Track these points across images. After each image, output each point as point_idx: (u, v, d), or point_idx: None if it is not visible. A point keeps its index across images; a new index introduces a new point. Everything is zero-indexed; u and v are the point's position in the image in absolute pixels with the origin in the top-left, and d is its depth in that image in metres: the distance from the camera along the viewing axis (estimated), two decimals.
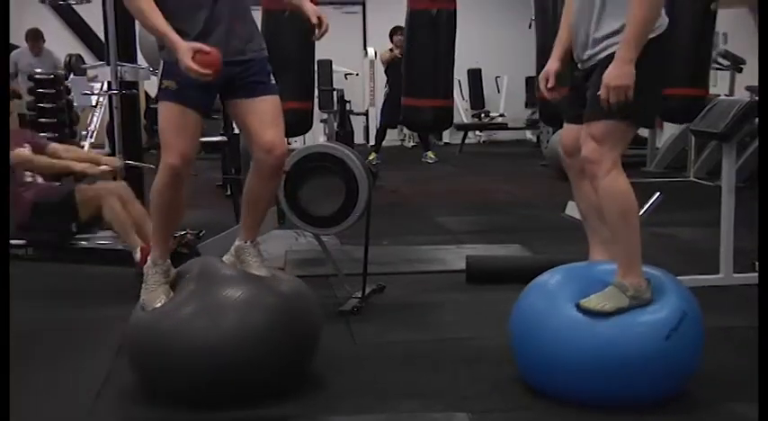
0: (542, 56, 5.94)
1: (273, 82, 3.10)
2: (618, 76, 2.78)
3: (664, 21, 2.88)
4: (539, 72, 6.08)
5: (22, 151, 4.52)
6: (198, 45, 2.85)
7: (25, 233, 4.53)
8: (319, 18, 3.14)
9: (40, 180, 4.71)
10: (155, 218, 3.11)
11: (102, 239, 4.64)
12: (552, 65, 3.18)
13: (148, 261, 3.11)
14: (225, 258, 3.18)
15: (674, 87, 5.90)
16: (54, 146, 4.76)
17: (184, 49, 2.83)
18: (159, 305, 2.98)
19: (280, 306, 2.96)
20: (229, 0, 3.00)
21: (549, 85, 3.17)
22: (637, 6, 2.77)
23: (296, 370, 3.04)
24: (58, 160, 4.62)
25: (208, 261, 3.18)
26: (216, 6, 2.97)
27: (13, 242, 4.48)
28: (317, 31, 3.15)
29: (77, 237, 4.60)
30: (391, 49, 10.25)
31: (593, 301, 2.80)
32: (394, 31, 10.01)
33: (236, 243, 3.16)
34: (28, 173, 4.62)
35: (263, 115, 3.04)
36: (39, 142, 4.76)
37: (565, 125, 3.16)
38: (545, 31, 5.95)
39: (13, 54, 9.10)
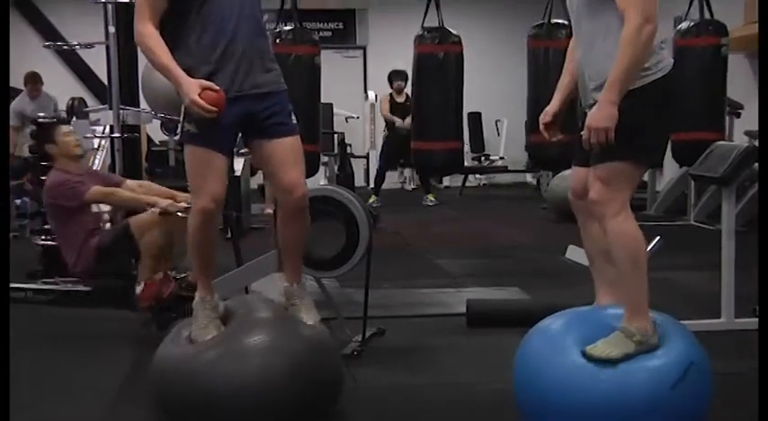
0: (533, 105, 6.00)
1: (294, 122, 3.13)
2: (599, 118, 2.80)
3: (668, 62, 2.90)
4: (529, 119, 6.17)
5: (101, 188, 4.49)
6: (205, 83, 2.89)
7: (90, 280, 4.53)
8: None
9: (107, 226, 4.69)
10: (193, 259, 3.15)
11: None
12: (552, 106, 3.23)
13: (196, 297, 3.12)
14: (276, 298, 3.23)
15: (690, 131, 5.94)
16: (129, 182, 4.73)
17: (191, 85, 2.86)
18: (210, 338, 2.99)
19: (302, 352, 2.97)
20: (246, 37, 3.03)
21: (545, 120, 3.21)
22: (622, 51, 2.79)
23: (316, 416, 3.04)
24: (143, 195, 4.56)
25: (254, 301, 3.21)
26: (233, 43, 3.00)
27: (14, 285, 4.47)
28: None
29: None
30: (391, 95, 10.34)
31: (599, 348, 2.78)
32: (392, 76, 10.09)
33: (284, 285, 3.21)
34: (95, 218, 4.59)
35: (284, 156, 3.07)
36: (113, 180, 4.74)
37: (573, 167, 3.18)
38: (536, 80, 6.01)
39: (14, 104, 9.03)
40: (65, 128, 4.77)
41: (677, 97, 3.00)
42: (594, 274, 3.17)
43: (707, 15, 6.49)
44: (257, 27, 3.10)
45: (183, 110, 2.99)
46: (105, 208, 4.91)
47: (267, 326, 3.03)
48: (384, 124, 10.47)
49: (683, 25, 6.39)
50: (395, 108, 10.27)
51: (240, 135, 3.14)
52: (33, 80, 9.13)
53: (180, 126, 3.02)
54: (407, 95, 9.40)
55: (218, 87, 2.89)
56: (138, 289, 4.26)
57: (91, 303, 4.56)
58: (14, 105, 8.96)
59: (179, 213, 4.32)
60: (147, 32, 2.95)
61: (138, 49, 3.19)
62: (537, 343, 2.98)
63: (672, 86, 2.92)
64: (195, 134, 2.98)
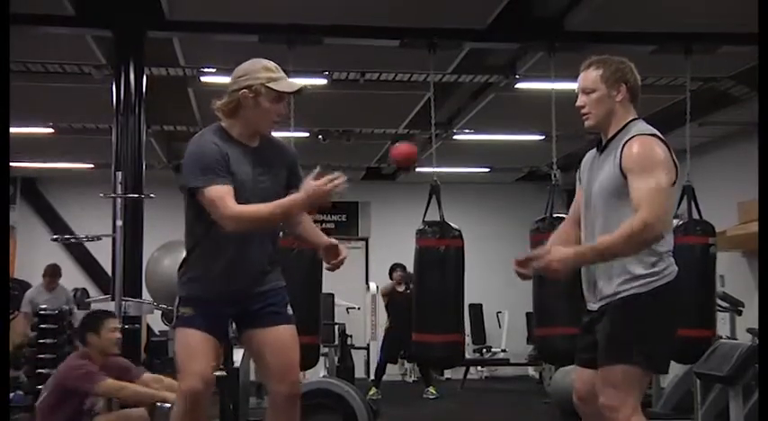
0: (539, 298, 6.02)
1: (290, 312, 3.10)
2: (563, 257, 2.79)
3: (673, 268, 2.92)
4: (535, 312, 6.17)
5: (113, 382, 4.40)
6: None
7: None
8: (336, 247, 3.09)
9: (98, 406, 4.56)
10: None
11: None
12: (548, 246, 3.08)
13: None
14: None
15: (682, 329, 5.91)
16: (146, 376, 4.65)
17: (304, 190, 2.85)
18: None
19: None
20: (262, 243, 3.06)
21: (522, 257, 3.06)
22: (619, 237, 2.78)
23: None
24: (145, 389, 4.47)
25: None
26: (252, 245, 3.02)
27: None
28: (333, 259, 3.08)
29: None
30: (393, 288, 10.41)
31: None
32: (393, 268, 10.24)
33: None
34: (87, 402, 4.48)
35: (277, 344, 3.03)
36: (130, 372, 4.63)
37: (577, 369, 3.14)
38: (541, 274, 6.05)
39: (29, 292, 9.19)
40: (114, 322, 4.70)
41: (681, 301, 2.99)
42: None
43: (695, 215, 6.64)
44: (274, 231, 3.15)
45: (177, 299, 3.02)
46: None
47: None
48: (387, 315, 10.46)
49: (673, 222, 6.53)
50: (395, 296, 10.33)
51: (234, 325, 3.13)
52: (52, 274, 9.29)
53: (175, 311, 3.03)
54: (407, 285, 9.53)
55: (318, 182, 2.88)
56: None
57: None
58: (29, 294, 9.14)
59: None
60: (239, 209, 2.88)
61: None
62: None
63: (677, 293, 2.93)
64: (190, 317, 2.98)
